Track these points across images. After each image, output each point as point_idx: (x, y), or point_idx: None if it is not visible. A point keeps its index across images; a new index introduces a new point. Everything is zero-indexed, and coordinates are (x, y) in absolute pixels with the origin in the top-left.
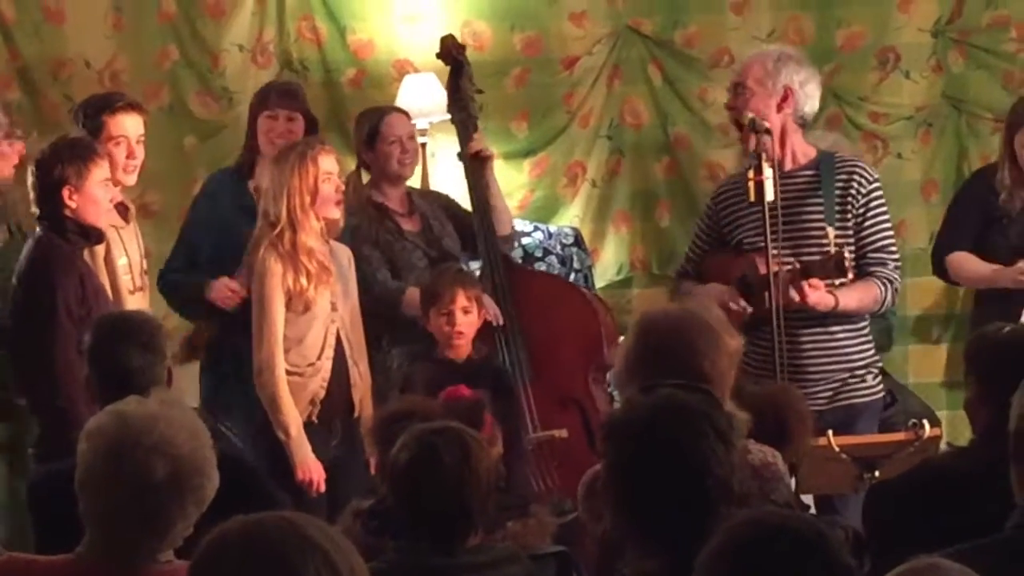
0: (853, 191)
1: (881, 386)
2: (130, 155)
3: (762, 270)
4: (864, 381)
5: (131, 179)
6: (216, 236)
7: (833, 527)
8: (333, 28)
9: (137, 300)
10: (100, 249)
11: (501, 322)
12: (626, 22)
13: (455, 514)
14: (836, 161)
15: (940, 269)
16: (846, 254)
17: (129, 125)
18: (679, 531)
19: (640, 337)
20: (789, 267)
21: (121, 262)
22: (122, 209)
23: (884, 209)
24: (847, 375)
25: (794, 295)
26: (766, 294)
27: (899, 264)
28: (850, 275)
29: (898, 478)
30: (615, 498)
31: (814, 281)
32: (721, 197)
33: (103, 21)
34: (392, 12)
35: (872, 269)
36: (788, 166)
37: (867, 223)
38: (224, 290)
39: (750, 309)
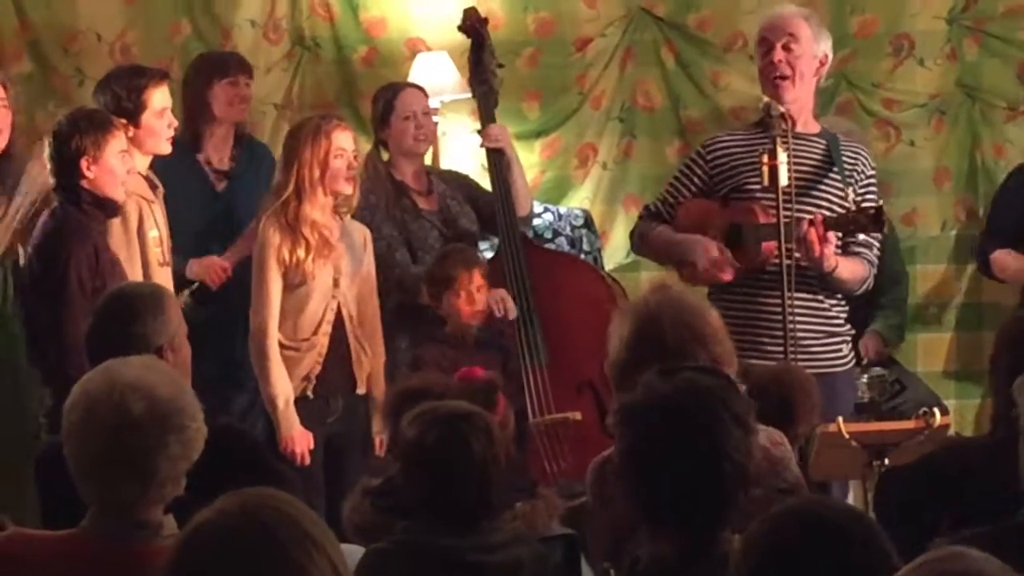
0: (858, 172)
1: (852, 356)
2: (170, 124)
3: (762, 220)
4: (840, 350)
5: (168, 148)
6: (173, 212)
7: None
8: (346, 5)
9: (165, 274)
10: (133, 221)
11: (511, 317)
12: (640, 4)
13: (478, 499)
14: (841, 141)
15: (985, 269)
16: (885, 208)
17: (167, 96)
18: (694, 515)
19: (641, 331)
20: (812, 216)
21: (152, 235)
22: (151, 184)
23: (876, 196)
24: (827, 340)
25: (813, 243)
26: (762, 246)
27: (880, 252)
28: (885, 229)
29: (911, 465)
30: (630, 482)
31: (831, 235)
32: (716, 146)
33: None
34: None
35: (859, 250)
36: (800, 129)
37: (864, 204)
38: (217, 269)
39: (737, 265)
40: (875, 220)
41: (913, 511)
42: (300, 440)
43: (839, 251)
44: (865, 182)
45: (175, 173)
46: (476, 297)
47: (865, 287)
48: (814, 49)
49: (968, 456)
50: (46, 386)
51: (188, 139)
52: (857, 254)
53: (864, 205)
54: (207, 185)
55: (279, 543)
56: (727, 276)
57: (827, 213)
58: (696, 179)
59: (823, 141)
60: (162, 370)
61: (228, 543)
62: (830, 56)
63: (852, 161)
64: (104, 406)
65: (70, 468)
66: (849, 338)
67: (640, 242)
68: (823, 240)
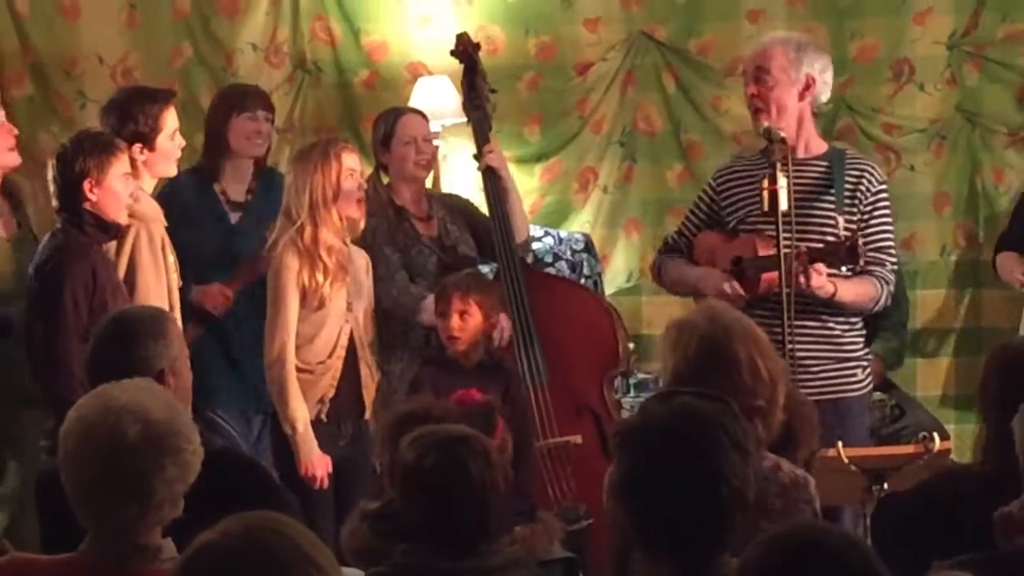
0: (863, 188)
1: (869, 380)
2: (180, 144)
3: (761, 252)
4: (854, 375)
5: (175, 170)
6: (184, 240)
7: None
8: (347, 29)
9: (177, 299)
10: (158, 244)
11: (505, 341)
12: (641, 28)
13: (477, 523)
14: (847, 157)
15: (995, 271)
16: (860, 241)
17: (175, 117)
18: (690, 539)
19: (701, 346)
20: (795, 250)
21: (171, 259)
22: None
23: (888, 211)
24: (837, 365)
25: (797, 277)
26: (762, 277)
27: (895, 267)
28: (861, 262)
29: (909, 491)
30: (627, 505)
31: (819, 266)
32: (724, 177)
33: (117, 17)
34: (406, 14)
35: (871, 268)
36: (801, 154)
37: (872, 221)
38: (219, 296)
39: (745, 295)
40: (850, 252)
41: (909, 538)
42: (320, 464)
43: (850, 271)
44: (871, 199)
45: (190, 201)
46: (454, 322)
47: (879, 305)
48: (791, 75)
49: (963, 484)
50: (46, 406)
51: (206, 168)
52: (869, 273)
53: (843, 236)
54: (220, 215)
55: (281, 566)
56: (735, 290)
57: (814, 240)
58: (703, 211)
59: (823, 163)
60: (157, 393)
61: (230, 565)
62: (817, 77)
63: (855, 179)
64: (99, 430)
65: (67, 493)
66: (866, 363)
67: (658, 274)
68: (808, 272)
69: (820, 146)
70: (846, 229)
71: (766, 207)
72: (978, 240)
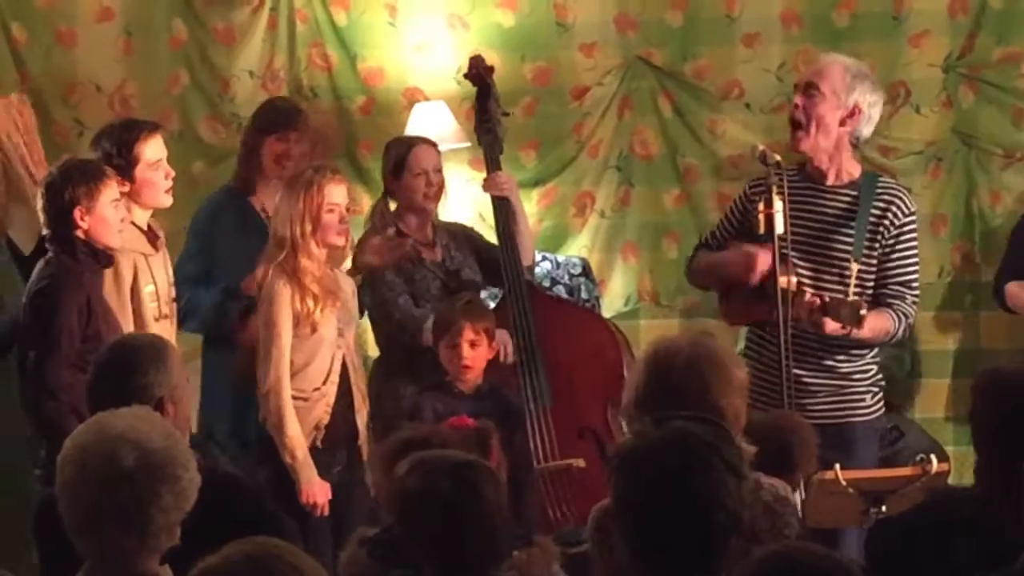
0: (888, 220)
1: (881, 406)
2: (167, 175)
3: (781, 277)
4: (862, 400)
5: (169, 200)
6: (223, 255)
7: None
8: (343, 55)
9: (163, 328)
10: (127, 275)
11: (510, 360)
12: (637, 53)
13: (487, 548)
14: (878, 185)
15: (1000, 299)
16: (864, 306)
17: (161, 147)
18: (688, 564)
19: (653, 372)
20: (815, 297)
21: (147, 289)
22: (151, 236)
23: (914, 243)
24: (841, 390)
25: (802, 321)
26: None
27: (917, 300)
28: (864, 327)
29: (903, 514)
30: (624, 530)
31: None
32: (757, 188)
33: (114, 45)
34: (403, 41)
35: (890, 301)
36: (831, 181)
37: (894, 255)
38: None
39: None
40: (852, 315)
41: (903, 561)
42: (321, 491)
43: (869, 297)
44: (895, 232)
45: (232, 217)
46: (466, 353)
47: (895, 339)
48: (841, 97)
49: (957, 507)
50: (37, 435)
51: (239, 184)
52: (888, 306)
53: (847, 283)
54: (263, 227)
55: None
56: (760, 267)
57: (827, 279)
58: (736, 217)
59: (852, 193)
60: (154, 420)
61: None
62: (865, 109)
63: (882, 210)
64: (96, 459)
65: (65, 522)
66: (876, 389)
67: (689, 270)
68: (821, 325)
69: (853, 173)
70: (858, 277)
71: (762, 229)
72: (975, 261)
